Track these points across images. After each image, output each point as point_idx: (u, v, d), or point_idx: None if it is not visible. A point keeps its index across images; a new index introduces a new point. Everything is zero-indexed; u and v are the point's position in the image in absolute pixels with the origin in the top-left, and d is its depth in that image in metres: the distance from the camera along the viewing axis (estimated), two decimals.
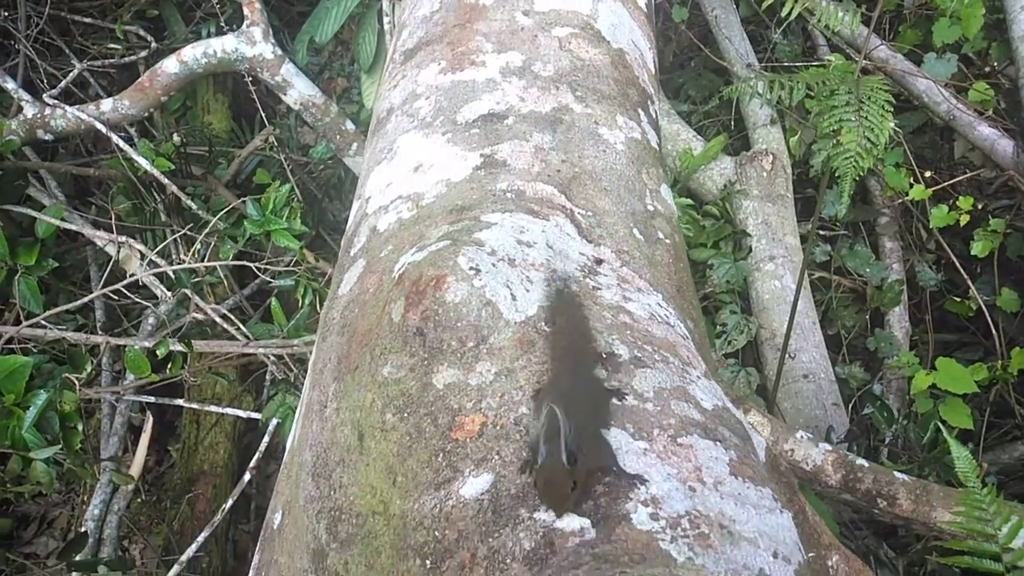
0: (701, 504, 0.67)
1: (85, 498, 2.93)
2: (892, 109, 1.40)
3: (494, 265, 0.85)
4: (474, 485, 0.70)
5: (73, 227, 2.59)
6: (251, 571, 0.98)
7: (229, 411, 2.55)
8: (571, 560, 0.62)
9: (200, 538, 2.25)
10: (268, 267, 2.04)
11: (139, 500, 2.91)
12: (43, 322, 2.10)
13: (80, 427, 1.92)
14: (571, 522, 0.66)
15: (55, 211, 2.47)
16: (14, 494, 2.98)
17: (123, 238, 2.34)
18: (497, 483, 0.70)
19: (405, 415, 0.77)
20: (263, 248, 2.52)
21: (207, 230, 2.14)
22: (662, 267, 1.04)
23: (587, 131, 1.13)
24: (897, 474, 1.78)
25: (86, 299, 2.35)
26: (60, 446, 1.96)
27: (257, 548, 0.99)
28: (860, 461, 1.79)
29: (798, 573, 0.67)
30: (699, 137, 2.81)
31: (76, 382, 1.94)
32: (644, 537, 0.64)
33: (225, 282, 2.83)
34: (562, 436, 0.64)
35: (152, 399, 2.45)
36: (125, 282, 2.18)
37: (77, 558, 2.10)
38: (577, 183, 1.06)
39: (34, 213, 2.45)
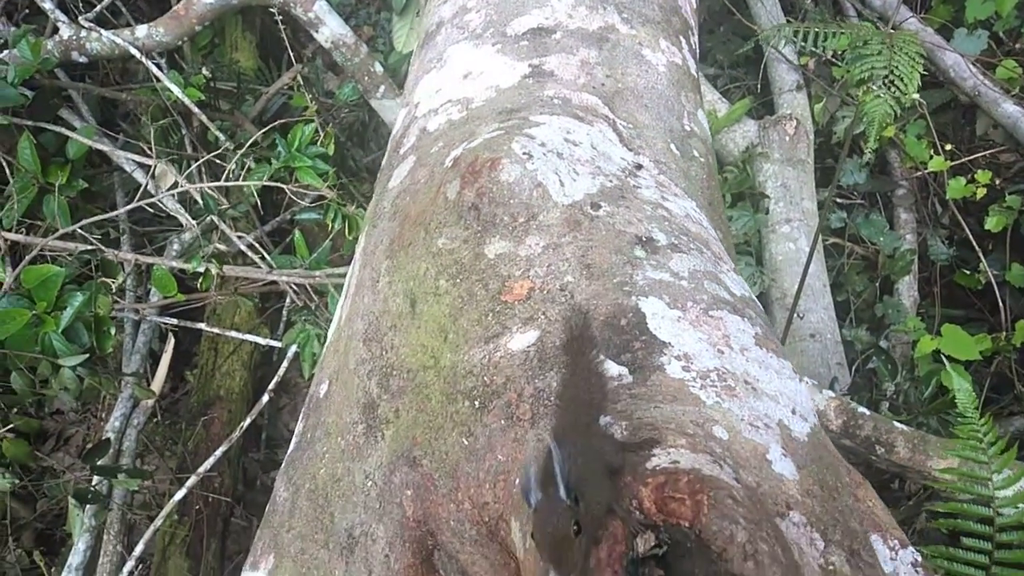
0: (728, 363, 0.73)
1: (103, 415, 3.02)
2: (923, 59, 1.44)
3: (544, 155, 0.90)
4: (521, 340, 0.77)
5: (104, 148, 2.64)
6: (294, 438, 1.05)
7: (249, 337, 2.62)
8: (611, 398, 0.68)
9: (218, 452, 2.34)
10: (301, 190, 2.09)
11: (155, 421, 3.01)
12: (78, 231, 2.15)
13: (112, 331, 1.98)
14: (611, 368, 0.72)
15: (87, 132, 2.52)
16: (34, 408, 3.08)
17: (156, 160, 2.39)
18: (543, 338, 0.76)
19: (458, 280, 0.83)
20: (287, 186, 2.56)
21: (241, 152, 2.18)
22: (696, 181, 1.09)
23: (631, 51, 1.17)
24: (896, 423, 1.85)
25: (114, 213, 2.41)
26: (88, 355, 2.03)
27: (300, 418, 1.06)
28: (861, 409, 1.86)
29: (814, 430, 0.73)
30: (724, 100, 2.83)
31: (111, 286, 2.01)
32: (676, 383, 0.70)
33: (248, 216, 2.89)
34: (558, 473, 0.55)
35: (174, 321, 2.53)
36: (156, 197, 2.24)
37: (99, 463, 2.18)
38: (620, 97, 1.11)
39: (66, 132, 2.49)
